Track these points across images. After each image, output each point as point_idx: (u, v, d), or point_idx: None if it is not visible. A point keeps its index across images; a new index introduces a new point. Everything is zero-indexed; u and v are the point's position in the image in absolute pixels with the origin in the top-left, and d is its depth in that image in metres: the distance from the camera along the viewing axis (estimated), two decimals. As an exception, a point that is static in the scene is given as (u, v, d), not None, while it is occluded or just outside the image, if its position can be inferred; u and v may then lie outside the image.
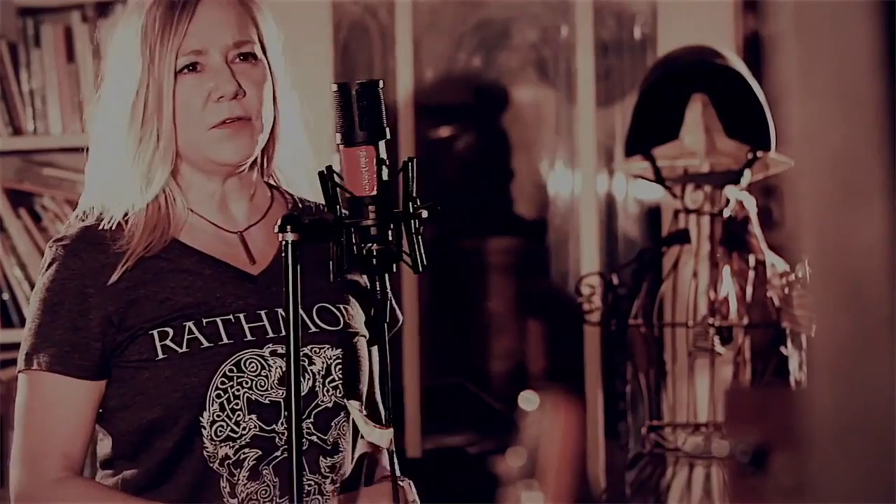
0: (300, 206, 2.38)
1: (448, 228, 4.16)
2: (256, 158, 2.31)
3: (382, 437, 2.11)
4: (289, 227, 1.99)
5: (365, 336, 2.33)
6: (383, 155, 2.06)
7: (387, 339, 2.12)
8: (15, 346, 3.74)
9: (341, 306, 2.32)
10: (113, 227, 2.27)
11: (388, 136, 2.08)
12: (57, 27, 3.88)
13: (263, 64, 2.28)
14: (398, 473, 2.27)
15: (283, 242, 1.99)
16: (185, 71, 2.24)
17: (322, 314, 2.30)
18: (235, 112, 2.23)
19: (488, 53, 4.18)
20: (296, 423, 2.00)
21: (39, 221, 3.86)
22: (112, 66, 2.29)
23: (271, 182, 2.38)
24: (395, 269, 2.08)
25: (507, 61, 4.19)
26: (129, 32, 2.26)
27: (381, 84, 2.09)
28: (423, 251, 2.09)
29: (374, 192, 2.05)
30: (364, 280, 2.22)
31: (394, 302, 2.44)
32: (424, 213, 2.08)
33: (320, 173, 2.07)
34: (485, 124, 4.24)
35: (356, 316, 2.34)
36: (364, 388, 2.31)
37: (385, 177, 2.06)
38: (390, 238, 2.06)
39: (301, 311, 2.25)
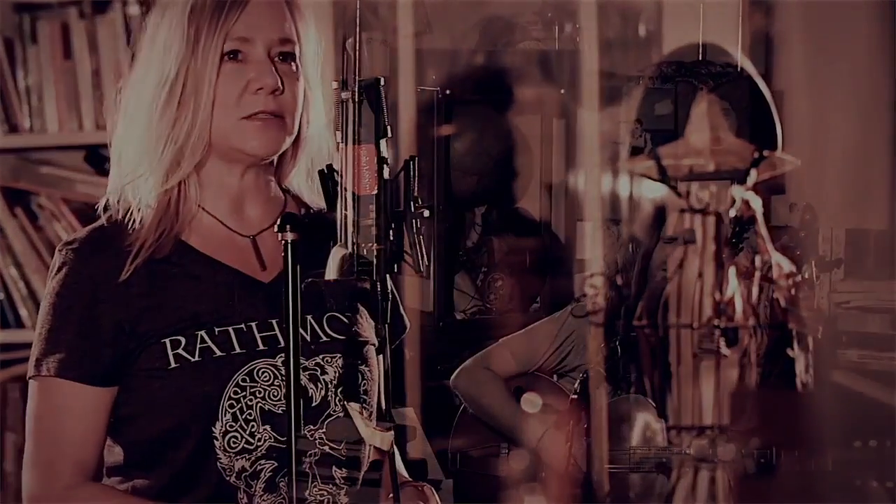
0: (311, 213, 2.36)
1: (450, 228, 4.15)
2: (274, 162, 2.30)
3: (383, 439, 2.09)
4: (288, 226, 1.97)
5: (374, 345, 2.32)
6: (385, 153, 2.05)
7: (388, 339, 2.10)
8: (10, 347, 3.75)
9: (350, 315, 2.30)
10: (125, 226, 2.24)
11: (390, 135, 2.06)
12: (53, 24, 3.86)
13: (301, 72, 2.27)
14: (405, 475, 2.26)
15: (283, 242, 1.97)
16: (227, 59, 2.23)
17: (332, 323, 2.29)
18: (270, 106, 2.23)
19: (492, 51, 4.17)
20: (295, 424, 1.97)
21: (36, 220, 3.84)
22: (150, 47, 2.26)
23: (286, 188, 2.37)
24: (396, 269, 2.06)
25: (510, 59, 4.18)
26: (174, 15, 2.25)
27: (382, 82, 2.07)
28: (424, 251, 2.07)
29: (375, 192, 2.03)
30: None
31: (402, 308, 2.42)
32: (426, 213, 2.07)
33: (320, 172, 2.07)
34: (488, 122, 4.22)
35: (365, 325, 2.32)
36: (373, 399, 2.29)
37: (386, 175, 2.04)
38: (391, 237, 2.05)
39: (312, 321, 2.24)
